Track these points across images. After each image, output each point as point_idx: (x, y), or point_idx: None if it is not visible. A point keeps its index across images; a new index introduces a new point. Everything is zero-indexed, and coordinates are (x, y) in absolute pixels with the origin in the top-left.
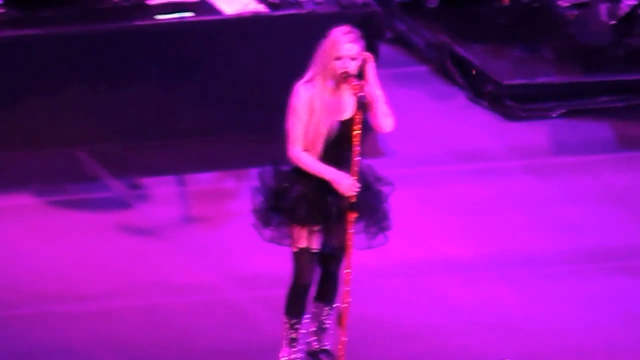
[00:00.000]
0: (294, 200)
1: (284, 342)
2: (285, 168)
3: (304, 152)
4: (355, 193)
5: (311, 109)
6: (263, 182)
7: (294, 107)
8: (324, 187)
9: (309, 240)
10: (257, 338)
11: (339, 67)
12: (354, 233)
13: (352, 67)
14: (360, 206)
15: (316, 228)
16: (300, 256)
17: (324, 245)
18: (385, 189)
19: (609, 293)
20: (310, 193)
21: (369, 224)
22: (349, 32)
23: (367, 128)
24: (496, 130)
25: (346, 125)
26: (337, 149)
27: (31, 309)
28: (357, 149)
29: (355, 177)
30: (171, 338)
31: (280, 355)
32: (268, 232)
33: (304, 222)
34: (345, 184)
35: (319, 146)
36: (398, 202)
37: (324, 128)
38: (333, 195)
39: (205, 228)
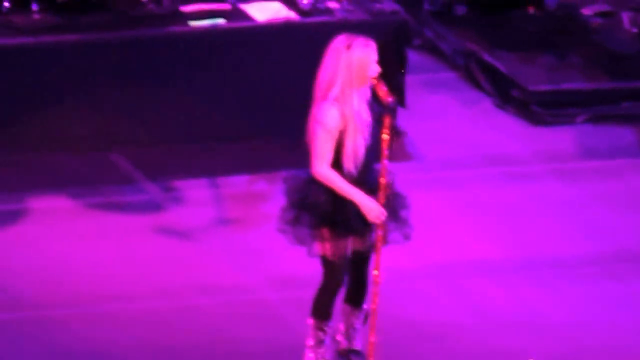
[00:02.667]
0: (350, 215)
1: (311, 343)
2: (309, 179)
3: (331, 170)
4: (382, 221)
5: (344, 126)
6: (300, 200)
7: (325, 126)
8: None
9: (346, 246)
10: (289, 337)
11: (372, 73)
12: (391, 231)
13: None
14: (389, 207)
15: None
16: (337, 262)
17: (355, 250)
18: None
19: (635, 294)
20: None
21: (396, 219)
22: (367, 39)
23: (396, 133)
24: (523, 135)
25: (372, 131)
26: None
27: (67, 310)
28: (385, 152)
29: (383, 201)
30: (204, 337)
31: (306, 358)
32: (316, 247)
33: (352, 233)
34: (375, 211)
35: (361, 153)
36: (426, 205)
37: (361, 137)
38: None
39: (237, 230)
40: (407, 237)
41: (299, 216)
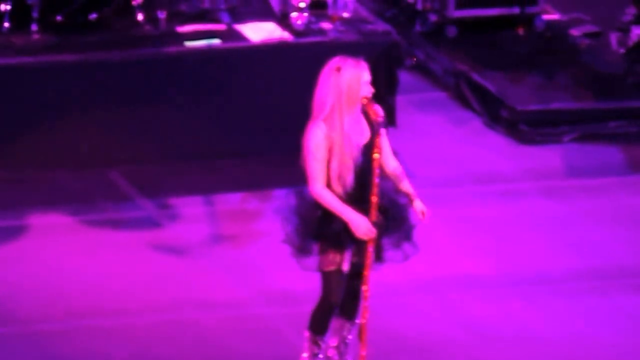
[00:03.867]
0: (338, 228)
1: (306, 356)
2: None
3: (325, 190)
4: (371, 237)
5: (330, 147)
6: (297, 212)
7: (311, 149)
8: (355, 209)
9: (341, 261)
10: (282, 351)
11: (364, 94)
12: (388, 249)
13: (369, 92)
14: (381, 225)
15: (348, 249)
16: (332, 277)
17: (352, 264)
18: (405, 201)
19: (620, 309)
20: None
21: (400, 237)
22: (359, 60)
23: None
24: (511, 154)
25: (366, 151)
26: (360, 175)
27: (67, 323)
28: (376, 172)
29: (374, 219)
30: (200, 351)
31: None
32: (308, 261)
33: (345, 247)
34: (363, 228)
35: (349, 177)
36: (416, 222)
37: (350, 159)
38: (364, 215)
39: (232, 246)
40: (406, 257)
41: (296, 230)
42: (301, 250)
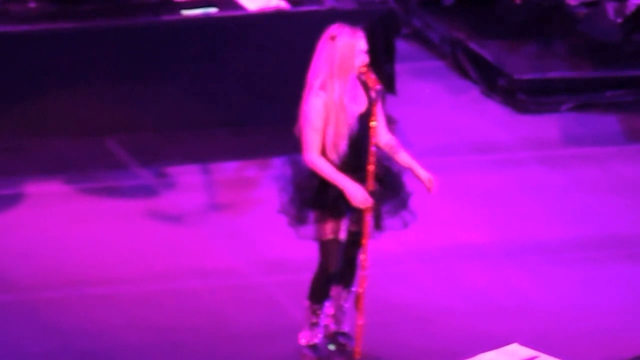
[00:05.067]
0: (335, 197)
1: (306, 325)
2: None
3: (320, 158)
4: (368, 206)
5: (326, 116)
6: (293, 182)
7: (308, 117)
8: (351, 177)
9: (338, 229)
10: (280, 320)
11: (360, 63)
12: (386, 217)
13: (364, 61)
14: (377, 194)
15: (345, 218)
16: (330, 245)
17: (349, 232)
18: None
19: (617, 279)
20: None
21: (397, 205)
22: (355, 29)
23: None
24: (508, 123)
25: (363, 119)
26: (356, 143)
27: (64, 292)
28: (373, 140)
29: (371, 188)
30: (196, 320)
31: (301, 337)
32: (305, 230)
33: (342, 215)
34: (358, 197)
35: (343, 145)
36: (414, 191)
37: (344, 128)
38: (360, 184)
39: (230, 215)
40: (405, 225)
41: (293, 198)
42: (298, 219)
